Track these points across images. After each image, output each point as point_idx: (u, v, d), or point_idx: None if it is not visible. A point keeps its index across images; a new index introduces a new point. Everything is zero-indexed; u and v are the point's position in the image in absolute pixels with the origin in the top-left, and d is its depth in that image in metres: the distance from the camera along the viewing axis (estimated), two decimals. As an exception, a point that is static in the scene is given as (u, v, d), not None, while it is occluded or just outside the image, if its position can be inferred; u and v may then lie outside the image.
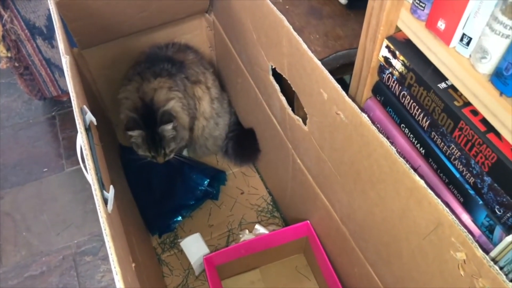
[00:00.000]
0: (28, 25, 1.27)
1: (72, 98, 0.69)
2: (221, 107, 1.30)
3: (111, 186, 0.72)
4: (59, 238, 1.26)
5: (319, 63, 0.65)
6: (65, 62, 0.69)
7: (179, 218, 1.24)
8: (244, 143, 1.32)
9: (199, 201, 1.27)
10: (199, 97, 1.22)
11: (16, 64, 1.34)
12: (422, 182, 0.53)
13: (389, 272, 0.74)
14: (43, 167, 1.41)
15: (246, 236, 1.10)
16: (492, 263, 0.47)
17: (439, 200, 0.51)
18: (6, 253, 1.23)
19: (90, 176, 0.57)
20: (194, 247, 1.16)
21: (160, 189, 1.26)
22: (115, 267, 0.47)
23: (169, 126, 1.04)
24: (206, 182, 1.25)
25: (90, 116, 0.82)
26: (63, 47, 0.69)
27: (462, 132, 0.57)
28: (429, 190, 0.53)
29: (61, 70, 1.43)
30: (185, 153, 1.32)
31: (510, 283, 0.46)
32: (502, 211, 0.54)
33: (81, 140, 0.64)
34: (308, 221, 1.04)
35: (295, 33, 0.69)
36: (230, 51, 1.18)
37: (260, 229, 1.11)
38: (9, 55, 1.31)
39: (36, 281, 1.18)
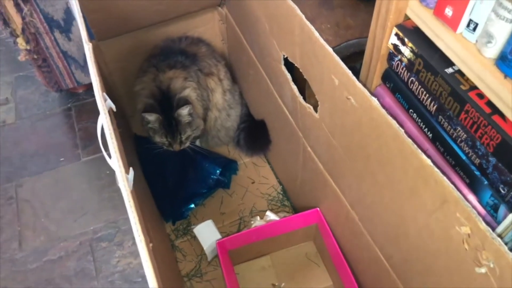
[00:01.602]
0: (46, 18, 1.31)
1: (93, 81, 0.72)
2: (233, 98, 1.33)
3: (131, 168, 0.75)
4: (76, 224, 1.30)
5: (330, 49, 0.67)
6: (88, 48, 0.72)
7: (192, 205, 1.27)
8: (255, 134, 1.35)
9: (211, 190, 1.30)
10: (212, 89, 1.25)
11: (35, 56, 1.38)
12: (429, 161, 0.56)
13: (397, 253, 0.77)
14: (60, 157, 1.45)
15: (257, 222, 1.13)
16: (495, 235, 0.49)
17: (445, 178, 0.54)
18: (26, 238, 1.27)
19: (113, 149, 0.60)
20: (207, 233, 1.19)
21: (174, 178, 1.29)
22: (139, 236, 0.50)
23: (185, 110, 1.07)
24: (218, 171, 1.28)
25: (109, 103, 0.85)
26: (85, 34, 0.72)
27: (468, 115, 0.59)
28: (436, 169, 0.55)
29: (77, 63, 1.47)
30: (197, 143, 1.36)
31: (512, 254, 0.48)
32: (506, 190, 0.56)
33: (103, 120, 0.66)
34: (318, 209, 1.07)
35: (307, 22, 0.72)
36: (242, 44, 1.21)
37: (270, 216, 1.14)
38: (28, 47, 1.35)
39: (55, 265, 1.22)
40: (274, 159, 1.35)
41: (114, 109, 0.87)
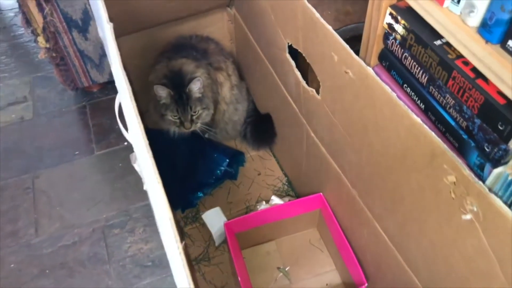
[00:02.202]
0: (66, 18, 1.40)
1: (114, 58, 0.78)
2: (240, 94, 1.39)
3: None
4: (89, 213, 1.36)
5: (330, 28, 0.74)
6: (108, 28, 0.79)
7: (200, 194, 1.32)
8: (261, 127, 1.41)
9: (219, 180, 1.35)
10: (220, 83, 1.32)
11: (54, 55, 1.46)
12: (418, 119, 0.61)
13: (393, 221, 0.81)
14: (75, 151, 1.51)
15: (263, 206, 1.18)
16: (477, 179, 0.55)
17: (433, 133, 0.59)
18: (42, 225, 1.33)
19: (133, 113, 0.65)
20: (215, 219, 1.24)
21: (183, 168, 1.35)
22: (155, 176, 0.55)
23: (196, 84, 1.13)
24: (226, 162, 1.34)
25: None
26: (106, 16, 0.79)
27: (455, 81, 0.65)
28: (424, 126, 0.61)
29: (92, 62, 1.54)
30: (206, 136, 1.42)
31: (492, 194, 0.53)
32: (490, 147, 0.62)
33: (125, 90, 0.72)
34: (321, 194, 1.12)
35: (309, 5, 0.79)
36: (249, 41, 1.28)
37: (275, 200, 1.19)
38: (47, 46, 1.43)
39: (69, 250, 1.28)
40: (279, 152, 1.41)
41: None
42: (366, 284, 0.98)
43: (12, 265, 1.25)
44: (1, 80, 1.75)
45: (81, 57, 1.52)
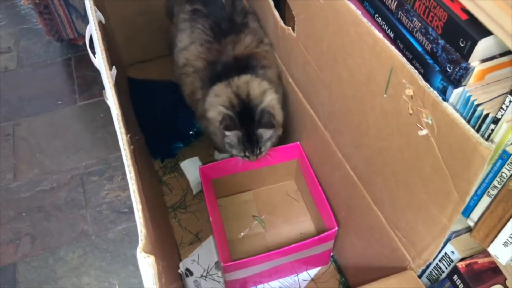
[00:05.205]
0: (49, -37, 1.38)
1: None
2: None
3: (114, 67, 0.80)
4: (69, 160, 1.36)
5: (301, -48, 0.73)
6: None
7: (181, 145, 1.32)
8: None
9: (200, 133, 1.35)
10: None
11: (37, 1, 1.44)
12: (380, 35, 0.60)
13: (361, 158, 0.81)
14: (58, 101, 1.51)
15: (240, 153, 1.17)
16: (432, 89, 0.54)
17: (393, 47, 0.59)
18: (20, 171, 1.33)
19: (98, 48, 0.65)
20: (193, 168, 1.24)
21: (164, 118, 1.34)
22: (116, 113, 0.54)
23: (269, 131, 0.99)
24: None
25: (99, 15, 0.91)
26: None
27: (422, 1, 0.64)
28: (386, 41, 0.60)
29: (78, 12, 1.53)
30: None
31: (445, 103, 0.52)
32: (452, 68, 0.61)
33: (92, 21, 0.71)
34: (298, 143, 1.12)
35: None
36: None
37: (253, 147, 1.18)
38: (30, -8, 1.42)
39: (47, 194, 1.28)
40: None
41: (103, 22, 0.93)
42: (336, 228, 0.97)
43: (-11, 207, 1.26)
44: (-13, 31, 1.74)
45: (66, 6, 1.50)
